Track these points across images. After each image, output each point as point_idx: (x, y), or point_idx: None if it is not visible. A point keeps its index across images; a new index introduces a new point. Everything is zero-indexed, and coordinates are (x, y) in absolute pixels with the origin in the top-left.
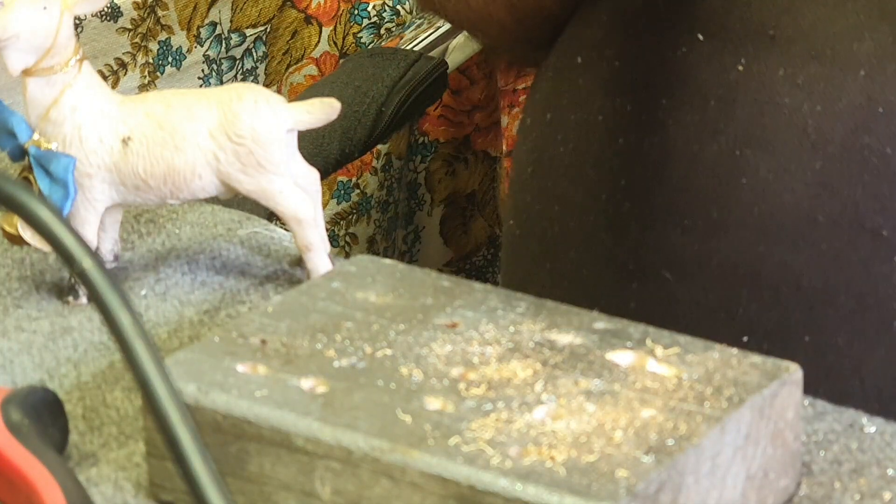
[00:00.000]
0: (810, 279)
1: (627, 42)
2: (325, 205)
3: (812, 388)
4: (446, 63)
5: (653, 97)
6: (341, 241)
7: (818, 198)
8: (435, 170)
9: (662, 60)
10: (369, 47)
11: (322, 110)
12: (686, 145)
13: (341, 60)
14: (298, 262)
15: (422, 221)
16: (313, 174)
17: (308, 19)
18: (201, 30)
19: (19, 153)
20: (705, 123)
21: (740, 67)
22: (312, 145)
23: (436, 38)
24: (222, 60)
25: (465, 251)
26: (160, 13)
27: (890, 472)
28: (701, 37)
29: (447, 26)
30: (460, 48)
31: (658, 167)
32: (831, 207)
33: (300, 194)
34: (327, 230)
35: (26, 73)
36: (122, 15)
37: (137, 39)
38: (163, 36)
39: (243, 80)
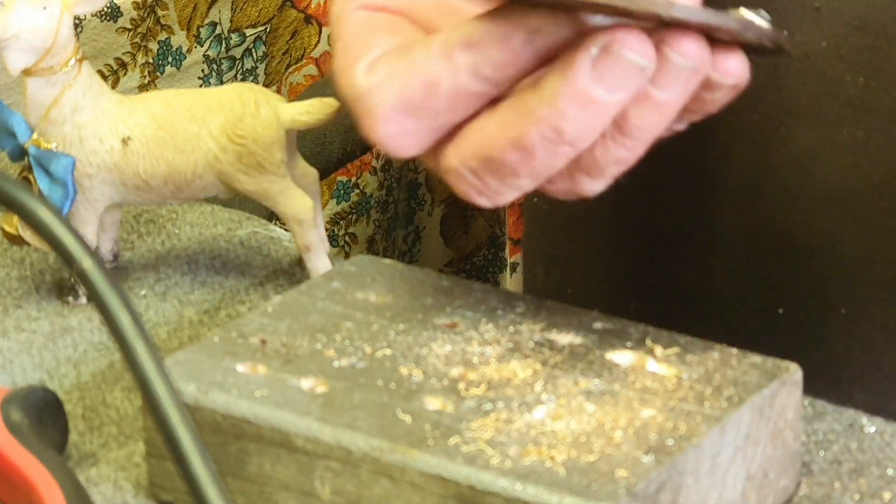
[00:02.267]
0: (849, 249)
1: None
2: (324, 205)
3: (846, 359)
4: None
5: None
6: (341, 241)
7: (859, 168)
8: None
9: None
10: None
11: (322, 110)
12: (727, 113)
13: None
14: (298, 262)
15: (422, 221)
16: (313, 174)
17: (308, 19)
18: (201, 30)
19: (19, 153)
20: (748, 91)
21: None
22: (314, 144)
23: None
24: (222, 60)
25: (465, 251)
26: (160, 13)
27: (890, 472)
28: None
29: None
30: None
31: (698, 135)
32: (872, 178)
33: (300, 194)
34: (327, 230)
35: (26, 73)
36: (121, 15)
37: (137, 39)
38: (163, 36)
39: (243, 80)
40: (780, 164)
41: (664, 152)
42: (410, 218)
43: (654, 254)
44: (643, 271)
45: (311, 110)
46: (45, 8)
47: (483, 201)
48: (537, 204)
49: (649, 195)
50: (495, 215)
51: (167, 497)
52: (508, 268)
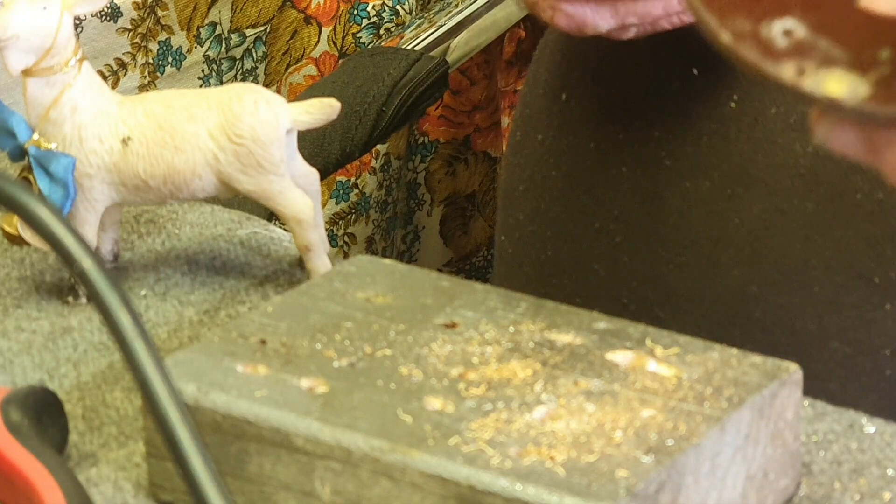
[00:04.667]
0: (803, 322)
1: (622, 71)
2: (323, 205)
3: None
4: (447, 63)
5: (646, 128)
6: (340, 241)
7: (810, 240)
8: (435, 170)
9: (656, 92)
10: (369, 47)
11: (322, 110)
12: (679, 180)
13: (341, 60)
14: (298, 262)
15: (421, 221)
16: (313, 174)
17: (308, 19)
18: (201, 30)
19: (19, 153)
20: (698, 158)
21: (733, 104)
22: (313, 145)
23: (436, 38)
24: (222, 60)
25: (464, 252)
26: (160, 13)
27: (890, 472)
28: (696, 71)
29: (448, 26)
30: (461, 47)
31: (651, 200)
32: (823, 251)
33: (300, 194)
34: (326, 230)
35: (26, 73)
36: (121, 15)
37: (137, 40)
38: (163, 36)
39: (243, 80)
40: (733, 233)
41: (618, 214)
42: (409, 218)
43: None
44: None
45: (311, 110)
46: (45, 8)
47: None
48: (504, 244)
49: (607, 257)
50: (494, 216)
51: (167, 497)
52: None
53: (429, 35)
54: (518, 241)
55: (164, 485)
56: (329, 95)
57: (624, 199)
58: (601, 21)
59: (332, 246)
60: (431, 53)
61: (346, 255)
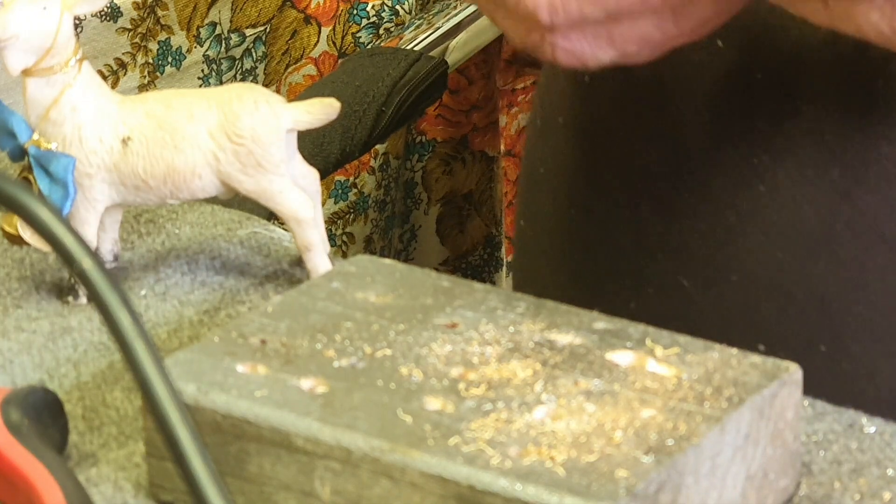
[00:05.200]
0: (828, 287)
1: None
2: (322, 204)
3: (827, 394)
4: (446, 63)
5: (668, 101)
6: (339, 240)
7: (836, 206)
8: (432, 169)
9: (679, 67)
10: (369, 47)
11: (322, 110)
12: (703, 150)
13: (340, 60)
14: (298, 262)
15: (418, 220)
16: (313, 174)
17: (307, 19)
18: (201, 30)
19: (19, 153)
20: (722, 127)
21: (759, 75)
22: (313, 145)
23: (436, 39)
24: (222, 60)
25: (461, 250)
26: (160, 13)
27: (890, 472)
28: (720, 43)
29: (447, 26)
30: (460, 48)
31: (676, 171)
32: (849, 216)
33: (300, 194)
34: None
35: (26, 73)
36: (121, 15)
37: (137, 39)
38: (162, 36)
39: (242, 80)
40: (757, 201)
41: (644, 188)
42: (406, 217)
43: (636, 291)
44: (625, 308)
45: (312, 110)
46: (45, 8)
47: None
48: (524, 228)
49: (633, 231)
50: (492, 215)
51: (167, 497)
52: (505, 267)
53: (428, 36)
54: (539, 223)
55: (164, 485)
56: (329, 95)
57: (649, 172)
58: (600, 53)
59: (331, 245)
60: (430, 54)
61: (344, 255)
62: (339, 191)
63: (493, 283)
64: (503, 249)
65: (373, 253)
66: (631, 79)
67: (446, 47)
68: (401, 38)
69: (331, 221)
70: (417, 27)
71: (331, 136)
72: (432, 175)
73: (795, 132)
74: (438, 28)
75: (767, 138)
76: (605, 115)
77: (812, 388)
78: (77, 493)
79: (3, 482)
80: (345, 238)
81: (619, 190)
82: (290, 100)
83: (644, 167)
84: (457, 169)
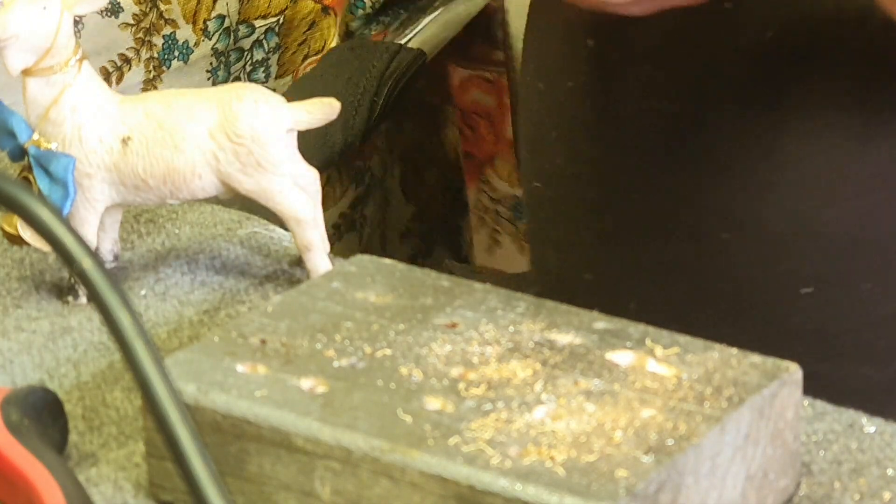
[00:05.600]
0: (866, 229)
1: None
2: (344, 192)
3: (873, 331)
4: (425, 54)
5: (694, 57)
6: (357, 224)
7: (855, 153)
8: (386, 129)
9: (689, 29)
10: (349, 41)
11: (322, 110)
12: (732, 103)
13: (321, 55)
14: (298, 262)
15: (388, 183)
16: (313, 174)
17: (325, 10)
18: (208, 23)
19: (19, 153)
20: (742, 83)
21: (769, 33)
22: (316, 136)
23: (418, 31)
24: (231, 52)
25: (424, 201)
26: (162, 7)
27: (890, 472)
28: (728, 5)
29: (429, 18)
30: (431, 40)
31: (703, 126)
32: (867, 163)
33: (300, 194)
34: (347, 215)
35: (26, 73)
36: (122, 10)
37: (141, 35)
38: (167, 30)
39: (253, 70)
40: (788, 152)
41: (675, 146)
42: (382, 182)
43: (674, 246)
44: (662, 264)
45: (312, 110)
46: (45, 8)
47: None
48: (539, 189)
49: (666, 188)
50: (446, 161)
51: (167, 497)
52: (471, 211)
53: (414, 28)
54: (558, 184)
55: (164, 485)
56: (321, 89)
57: (677, 128)
58: None
59: (352, 230)
60: (408, 45)
61: (360, 238)
62: (358, 176)
63: (459, 228)
64: (465, 192)
65: (374, 229)
66: (641, 42)
67: (422, 38)
68: (385, 35)
69: (352, 206)
70: (404, 19)
71: (333, 127)
72: (388, 135)
73: (818, 83)
74: (421, 20)
75: (787, 90)
76: (622, 77)
77: (860, 328)
78: (77, 493)
79: (3, 482)
80: (361, 220)
81: (638, 149)
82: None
83: (664, 128)
84: (405, 124)
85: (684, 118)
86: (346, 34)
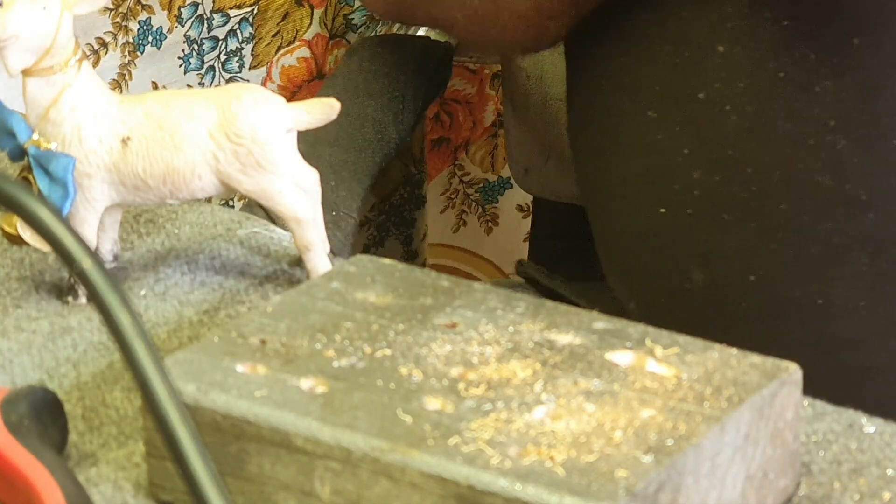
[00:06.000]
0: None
1: None
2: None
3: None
4: (453, 46)
5: (838, 37)
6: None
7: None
8: None
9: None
10: (372, 35)
11: (321, 110)
12: (882, 78)
13: (347, 48)
14: (298, 262)
15: None
16: (313, 174)
17: (299, 1)
18: (182, 10)
19: (19, 153)
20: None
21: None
22: (374, 134)
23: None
24: (204, 41)
25: (384, 192)
26: None
27: (890, 472)
28: None
29: None
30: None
31: (861, 101)
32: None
33: (299, 194)
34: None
35: (26, 73)
36: None
37: (118, 19)
38: (143, 16)
39: (227, 60)
40: (822, 106)
41: (835, 125)
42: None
43: (849, 217)
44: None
45: (311, 110)
46: (44, 8)
47: None
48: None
49: (831, 167)
50: (409, 154)
51: (167, 497)
52: (427, 205)
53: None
54: (717, 186)
55: (164, 485)
56: (361, 84)
57: (836, 108)
58: None
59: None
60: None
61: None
62: None
63: (414, 220)
64: (424, 186)
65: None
66: (792, 28)
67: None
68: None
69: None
70: None
71: (385, 124)
72: None
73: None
74: None
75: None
76: (762, 70)
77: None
78: (77, 493)
79: (3, 482)
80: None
81: (805, 136)
82: (285, 82)
83: (828, 106)
84: None
85: (852, 91)
86: (348, 27)
